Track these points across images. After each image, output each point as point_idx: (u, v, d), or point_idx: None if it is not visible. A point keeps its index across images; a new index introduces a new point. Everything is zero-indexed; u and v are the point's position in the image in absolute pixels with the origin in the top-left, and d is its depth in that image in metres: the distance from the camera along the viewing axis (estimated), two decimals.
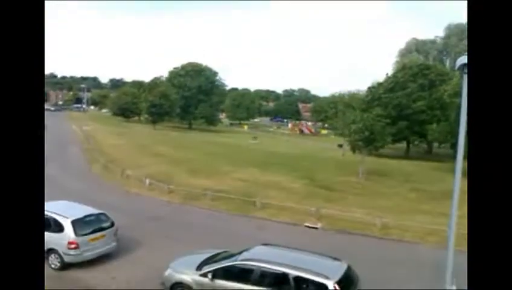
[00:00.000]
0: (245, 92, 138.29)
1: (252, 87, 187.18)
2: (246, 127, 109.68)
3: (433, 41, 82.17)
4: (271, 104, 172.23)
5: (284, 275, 10.19)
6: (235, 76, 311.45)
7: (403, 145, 56.39)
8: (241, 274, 10.75)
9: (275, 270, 10.39)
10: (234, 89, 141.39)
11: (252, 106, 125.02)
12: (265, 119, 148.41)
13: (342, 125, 36.40)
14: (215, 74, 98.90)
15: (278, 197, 23.35)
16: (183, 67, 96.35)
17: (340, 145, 48.04)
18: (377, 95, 52.82)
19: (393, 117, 45.94)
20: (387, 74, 57.44)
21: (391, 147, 52.34)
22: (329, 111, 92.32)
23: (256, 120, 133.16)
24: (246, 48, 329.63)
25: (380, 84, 55.79)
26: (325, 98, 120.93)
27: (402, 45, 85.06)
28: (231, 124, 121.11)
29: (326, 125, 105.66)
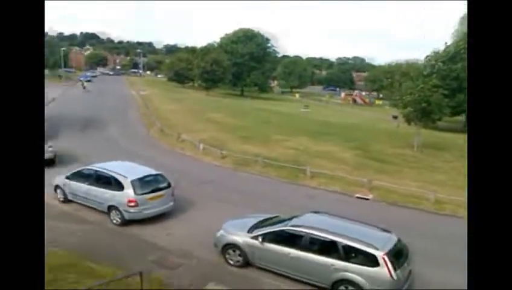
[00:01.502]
0: (297, 60, 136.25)
1: (305, 54, 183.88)
2: (297, 95, 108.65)
3: None
4: (324, 73, 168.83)
5: (333, 243, 10.39)
6: (288, 43, 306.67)
7: (462, 118, 53.75)
8: (290, 239, 11.05)
9: (324, 237, 10.60)
10: (286, 57, 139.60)
11: (304, 74, 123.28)
12: (318, 88, 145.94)
13: (398, 96, 35.34)
14: (267, 40, 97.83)
15: (329, 167, 23.37)
16: (235, 33, 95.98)
17: (395, 117, 46.74)
18: (436, 65, 50.45)
19: (452, 89, 43.87)
20: (445, 43, 54.52)
21: (449, 120, 50.27)
22: (384, 81, 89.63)
23: (308, 89, 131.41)
24: (300, 13, 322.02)
25: (438, 53, 53.14)
26: (380, 67, 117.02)
27: (462, 12, 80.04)
28: (283, 92, 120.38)
29: (381, 95, 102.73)
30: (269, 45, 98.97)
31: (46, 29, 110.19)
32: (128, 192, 14.01)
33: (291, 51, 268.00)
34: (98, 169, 15.22)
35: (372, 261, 9.86)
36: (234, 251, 11.76)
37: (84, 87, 68.11)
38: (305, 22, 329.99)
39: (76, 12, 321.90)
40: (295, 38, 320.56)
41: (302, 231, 10.95)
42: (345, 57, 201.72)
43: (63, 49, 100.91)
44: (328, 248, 10.51)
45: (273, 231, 11.46)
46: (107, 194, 14.45)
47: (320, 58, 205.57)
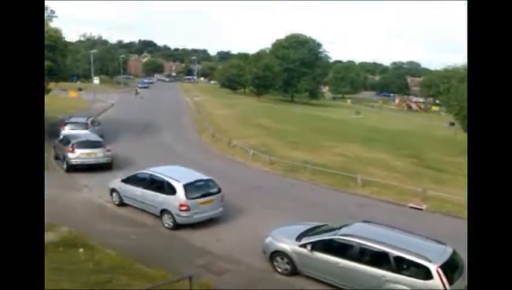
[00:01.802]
0: (350, 65, 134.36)
1: (358, 59, 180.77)
2: (349, 101, 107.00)
3: None
4: (377, 78, 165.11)
5: (384, 254, 10.09)
6: (340, 48, 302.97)
7: None
8: (340, 249, 10.84)
9: (375, 248, 10.32)
10: (338, 62, 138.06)
11: (356, 79, 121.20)
12: (371, 94, 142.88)
13: (455, 102, 33.85)
14: (318, 45, 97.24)
15: (381, 175, 22.79)
16: (287, 38, 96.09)
17: (452, 124, 44.82)
18: None
19: None
20: None
21: None
22: (441, 86, 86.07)
23: (360, 94, 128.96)
24: (353, 18, 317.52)
25: None
26: (437, 71, 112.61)
27: None
28: (334, 98, 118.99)
29: (437, 101, 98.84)
30: (321, 50, 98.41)
31: (106, 38, 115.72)
32: (180, 196, 14.31)
33: (344, 56, 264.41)
34: (151, 173, 15.70)
35: (425, 273, 9.48)
36: (282, 259, 11.70)
37: (136, 94, 70.25)
38: (360, 25, 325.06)
39: (134, 21, 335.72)
40: (348, 42, 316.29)
41: (352, 241, 10.72)
42: (399, 62, 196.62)
43: (122, 56, 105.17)
44: (378, 258, 10.22)
45: (322, 240, 11.29)
46: (159, 198, 14.87)
47: (374, 63, 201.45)
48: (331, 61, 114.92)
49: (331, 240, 11.19)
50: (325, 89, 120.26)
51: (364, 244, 10.50)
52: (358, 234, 10.89)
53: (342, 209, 17.46)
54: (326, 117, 56.25)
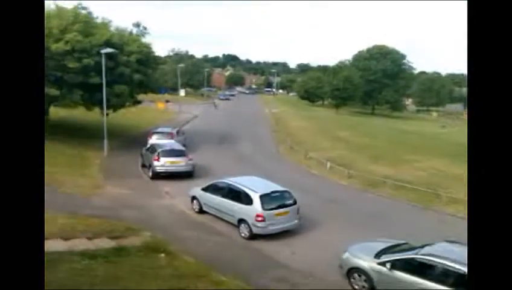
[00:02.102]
0: (435, 76, 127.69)
1: (444, 70, 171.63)
2: (434, 114, 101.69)
3: None
4: (465, 90, 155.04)
5: None
6: (426, 59, 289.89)
7: None
8: (421, 268, 10.29)
9: (459, 269, 9.63)
10: (423, 73, 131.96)
11: (442, 91, 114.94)
12: (458, 106, 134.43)
13: None
14: (402, 56, 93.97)
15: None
16: (369, 50, 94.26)
17: None
18: None
19: None
20: None
21: None
22: None
23: (446, 107, 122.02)
24: (441, 27, 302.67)
25: None
26: None
27: None
28: (418, 111, 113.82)
29: None
30: (405, 61, 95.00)
31: (192, 52, 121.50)
32: (257, 207, 14.45)
33: (430, 67, 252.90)
34: (230, 183, 16.08)
35: None
36: (359, 276, 11.36)
37: (215, 107, 72.24)
38: (449, 35, 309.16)
39: (220, 37, 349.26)
40: (434, 53, 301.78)
41: (434, 261, 10.14)
42: None
43: (206, 70, 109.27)
44: (463, 280, 9.52)
45: (402, 259, 10.81)
46: (237, 207, 15.15)
47: (462, 75, 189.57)
48: (415, 72, 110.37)
49: (412, 259, 10.68)
50: (408, 102, 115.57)
51: (447, 265, 9.88)
52: (441, 254, 10.28)
53: (423, 227, 16.53)
54: (409, 130, 53.91)
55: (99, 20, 29.94)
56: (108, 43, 26.70)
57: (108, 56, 25.85)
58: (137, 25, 32.23)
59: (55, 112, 32.90)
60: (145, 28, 32.40)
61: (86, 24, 27.22)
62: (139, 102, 32.85)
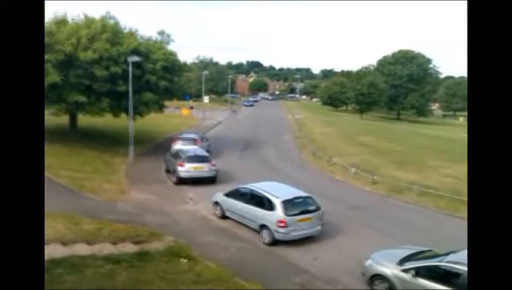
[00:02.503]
0: (462, 80, 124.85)
1: None
2: (461, 119, 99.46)
3: None
4: None
5: None
6: (452, 63, 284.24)
7: None
8: (446, 276, 10.11)
9: None
10: (450, 77, 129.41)
11: None
12: None
13: None
14: (428, 61, 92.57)
15: None
16: (394, 55, 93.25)
17: None
18: None
19: None
20: None
21: None
22: None
23: None
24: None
25: None
26: None
27: None
28: (444, 116, 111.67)
29: None
30: (431, 65, 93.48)
31: (217, 59, 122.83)
32: (279, 212, 14.43)
33: (457, 72, 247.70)
34: (252, 188, 16.12)
35: None
36: (382, 283, 11.21)
37: (234, 113, 72.13)
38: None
39: (244, 44, 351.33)
40: (462, 57, 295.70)
41: (459, 269, 9.92)
42: None
43: (230, 76, 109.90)
44: None
45: (427, 266, 10.64)
46: (259, 213, 15.17)
47: None
48: (441, 76, 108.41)
49: (436, 266, 10.49)
50: (435, 106, 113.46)
51: None
52: (466, 261, 10.03)
53: (449, 234, 16.16)
54: (435, 135, 52.92)
55: (126, 30, 30.64)
56: (135, 52, 27.29)
57: (135, 64, 26.40)
58: (161, 32, 32.69)
59: (84, 119, 33.74)
60: (168, 36, 32.85)
61: (113, 33, 27.91)
62: (163, 107, 33.33)
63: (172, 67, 30.60)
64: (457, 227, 17.44)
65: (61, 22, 27.72)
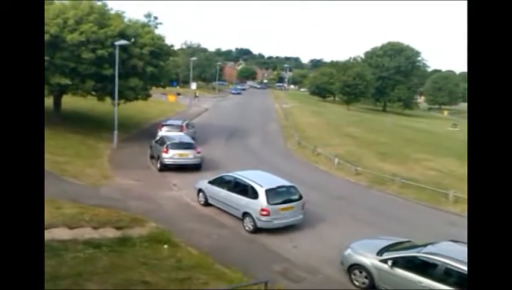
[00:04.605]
0: (449, 74, 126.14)
1: (458, 69, 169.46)
2: (445, 112, 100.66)
3: None
4: None
5: None
6: (441, 57, 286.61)
7: None
8: (423, 267, 10.33)
9: (462, 269, 9.62)
10: (437, 71, 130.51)
11: (455, 89, 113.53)
12: None
13: None
14: (417, 53, 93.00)
15: None
16: (382, 47, 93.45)
17: None
18: None
19: None
20: None
21: None
22: None
23: (459, 106, 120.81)
24: (457, 25, 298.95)
25: None
26: None
27: None
28: (429, 109, 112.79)
29: None
30: (419, 58, 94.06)
31: (205, 45, 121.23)
32: (262, 201, 14.52)
33: (445, 66, 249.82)
34: (236, 176, 16.16)
35: None
36: (361, 272, 11.41)
37: (195, 97, 67.40)
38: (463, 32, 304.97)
39: (234, 31, 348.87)
40: (450, 51, 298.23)
41: (437, 260, 10.15)
42: None
43: (218, 63, 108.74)
44: (465, 280, 9.50)
45: (405, 257, 10.86)
46: (242, 201, 15.23)
47: None
48: (429, 70, 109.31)
49: (414, 257, 10.72)
50: (421, 99, 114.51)
51: (450, 265, 9.87)
52: (444, 253, 10.28)
53: (428, 226, 16.49)
54: (420, 128, 53.54)
55: (113, 12, 30.07)
56: (122, 35, 26.82)
57: (122, 48, 26.00)
58: (148, 15, 32.12)
59: (68, 102, 33.26)
60: (155, 18, 32.30)
61: (101, 15, 27.38)
62: (149, 95, 32.95)
63: (160, 52, 30.21)
64: (438, 219, 17.82)
65: (47, 1, 27.06)
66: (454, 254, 10.20)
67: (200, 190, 17.43)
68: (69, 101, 32.95)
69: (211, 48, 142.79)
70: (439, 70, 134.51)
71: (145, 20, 31.82)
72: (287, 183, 15.69)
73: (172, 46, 35.18)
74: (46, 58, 23.74)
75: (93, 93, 29.03)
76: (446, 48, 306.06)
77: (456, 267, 9.77)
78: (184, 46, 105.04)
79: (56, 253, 10.08)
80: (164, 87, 35.65)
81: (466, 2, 5.41)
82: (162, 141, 23.73)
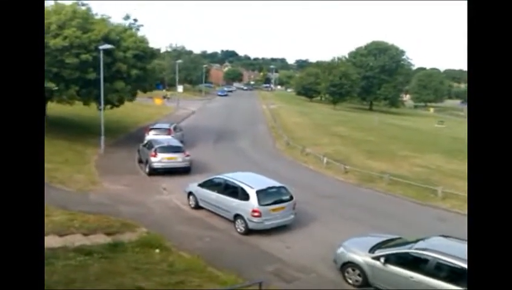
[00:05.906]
0: (433, 72, 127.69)
1: (443, 67, 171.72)
2: (431, 110, 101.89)
3: None
4: (463, 86, 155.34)
5: (463, 270, 9.47)
6: (425, 55, 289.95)
7: None
8: (415, 263, 10.42)
9: (453, 263, 9.75)
10: (422, 69, 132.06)
11: (440, 87, 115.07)
12: (455, 102, 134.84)
13: None
14: (401, 52, 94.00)
15: (464, 188, 21.32)
16: (367, 46, 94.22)
17: None
18: None
19: None
20: None
21: None
22: None
23: (444, 103, 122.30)
24: (441, 23, 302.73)
25: None
26: None
27: None
28: (415, 107, 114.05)
29: None
30: (404, 57, 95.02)
31: (190, 48, 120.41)
32: (253, 202, 14.51)
33: (429, 63, 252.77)
34: (226, 178, 16.11)
35: None
36: (354, 270, 11.45)
37: (165, 97, 68.49)
38: (448, 30, 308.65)
39: (218, 33, 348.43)
40: (434, 49, 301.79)
41: (428, 255, 10.25)
42: None
43: (204, 66, 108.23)
44: (456, 275, 9.63)
45: (397, 253, 10.95)
46: (233, 203, 15.19)
47: (460, 70, 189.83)
48: (414, 68, 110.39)
49: (406, 253, 10.81)
50: (406, 97, 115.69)
51: (441, 259, 9.98)
52: (435, 248, 10.38)
53: (418, 222, 16.67)
54: (406, 126, 54.07)
55: (98, 17, 29.79)
56: (106, 39, 26.60)
57: (106, 52, 25.78)
58: (126, 17, 31.78)
59: (53, 108, 32.85)
60: (135, 21, 31.99)
61: (84, 20, 27.12)
62: (135, 94, 32.44)
63: (144, 55, 29.98)
64: (426, 215, 18.00)
65: None
66: (444, 248, 10.32)
67: (190, 193, 17.34)
68: (55, 107, 32.51)
69: (197, 51, 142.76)
70: (424, 68, 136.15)
71: (125, 22, 31.50)
72: (278, 184, 15.70)
73: (159, 49, 34.88)
74: None
75: (78, 98, 28.69)
76: (430, 46, 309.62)
77: (447, 261, 9.89)
78: (169, 49, 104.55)
79: (47, 261, 9.87)
80: (151, 90, 35.25)
81: (452, 1, 5.40)
82: (150, 145, 23.56)
